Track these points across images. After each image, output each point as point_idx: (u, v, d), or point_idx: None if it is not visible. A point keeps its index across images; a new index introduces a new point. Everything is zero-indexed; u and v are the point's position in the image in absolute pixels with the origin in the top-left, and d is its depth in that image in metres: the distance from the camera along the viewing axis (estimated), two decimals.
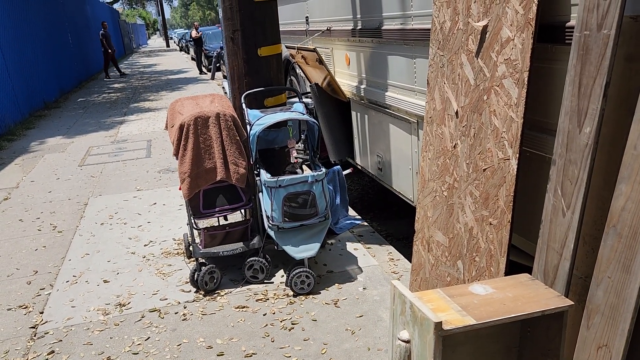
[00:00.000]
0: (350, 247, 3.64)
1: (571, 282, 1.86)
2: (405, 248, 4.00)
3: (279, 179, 2.92)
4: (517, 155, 2.04)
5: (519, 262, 2.50)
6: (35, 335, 2.84)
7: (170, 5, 61.01)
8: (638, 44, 1.64)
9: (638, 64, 1.65)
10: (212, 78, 15.03)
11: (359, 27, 3.78)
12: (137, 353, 2.61)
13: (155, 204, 4.78)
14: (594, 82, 1.64)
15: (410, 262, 3.36)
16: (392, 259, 3.42)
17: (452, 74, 2.42)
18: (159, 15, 46.20)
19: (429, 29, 2.75)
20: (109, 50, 17.14)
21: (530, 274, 1.95)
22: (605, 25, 1.61)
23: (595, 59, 1.63)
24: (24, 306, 3.15)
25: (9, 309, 3.13)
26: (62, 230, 4.34)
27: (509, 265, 2.15)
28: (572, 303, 1.69)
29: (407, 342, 1.65)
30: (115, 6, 34.38)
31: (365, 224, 4.02)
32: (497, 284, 1.78)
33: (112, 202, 4.95)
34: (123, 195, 5.11)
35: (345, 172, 4.23)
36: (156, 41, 65.75)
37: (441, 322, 1.52)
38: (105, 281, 3.39)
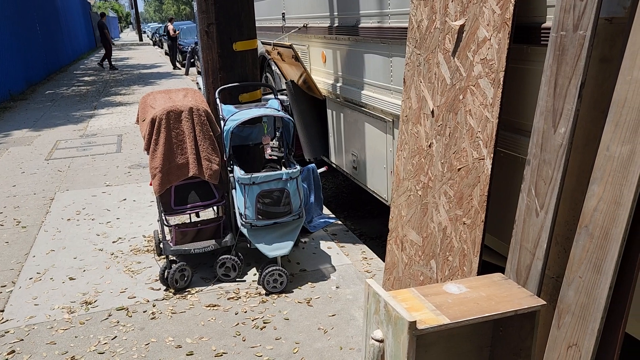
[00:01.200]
0: (324, 245, 3.62)
1: (543, 282, 1.87)
2: (379, 247, 4.00)
3: (253, 175, 2.88)
4: (492, 155, 2.04)
5: (491, 262, 2.52)
6: None
7: None
8: (612, 46, 1.66)
9: (612, 65, 1.66)
10: (186, 74, 14.85)
11: (336, 25, 3.76)
12: (103, 352, 2.54)
13: (125, 200, 4.68)
14: (570, 83, 1.65)
15: (384, 261, 3.36)
16: (366, 258, 3.41)
17: (429, 73, 2.41)
18: (132, 9, 45.46)
19: (406, 28, 2.74)
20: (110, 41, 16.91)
21: (503, 273, 1.95)
22: (581, 26, 1.62)
23: (571, 59, 1.64)
24: None
25: None
26: (27, 225, 4.21)
27: (481, 265, 2.15)
28: (545, 303, 1.70)
29: (381, 341, 1.63)
30: None
31: (339, 222, 4.00)
32: (471, 283, 1.77)
33: (80, 197, 4.82)
34: (91, 191, 4.98)
35: (319, 171, 4.21)
36: (129, 35, 64.68)
37: (415, 321, 1.51)
38: (70, 278, 3.30)
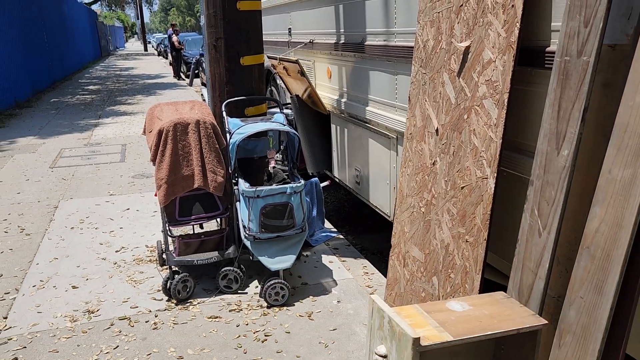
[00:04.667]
0: (326, 259, 3.64)
1: (545, 301, 1.89)
2: (380, 262, 4.02)
3: (258, 189, 2.91)
4: (495, 174, 2.08)
5: (493, 280, 2.54)
6: None
7: (150, 9, 60.66)
8: (615, 72, 1.70)
9: (614, 90, 1.70)
10: (191, 84, 14.94)
11: (342, 41, 3.81)
12: None
13: (128, 209, 4.71)
14: (573, 107, 1.68)
15: (385, 276, 3.37)
16: (367, 273, 3.43)
17: (434, 92, 2.45)
18: (138, 19, 45.80)
19: (412, 47, 2.79)
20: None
21: (505, 292, 1.97)
22: (585, 52, 1.66)
23: (575, 84, 1.68)
24: None
25: None
26: (31, 233, 4.23)
27: (483, 283, 2.18)
28: (547, 322, 1.72)
29: (385, 357, 1.65)
30: (94, 7, 33.97)
31: (341, 237, 4.03)
32: (473, 301, 1.80)
33: (84, 206, 4.85)
34: (95, 200, 5.01)
35: (322, 185, 4.24)
36: (134, 44, 65.10)
37: (419, 337, 1.53)
38: (73, 287, 3.31)
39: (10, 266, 3.63)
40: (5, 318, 2.97)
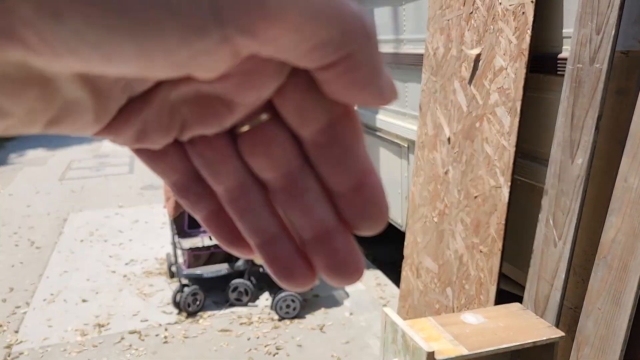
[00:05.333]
0: None
1: (561, 312, 1.85)
2: (393, 273, 3.97)
3: None
4: (509, 183, 2.04)
5: (508, 290, 2.49)
6: (9, 356, 2.74)
7: None
8: (628, 78, 1.67)
9: (628, 97, 1.67)
10: None
11: None
12: None
13: (137, 221, 4.71)
14: (587, 115, 1.66)
15: (398, 287, 3.33)
16: (380, 284, 3.40)
17: (445, 100, 2.43)
18: None
19: (421, 54, 2.77)
20: None
21: (521, 303, 1.94)
22: (597, 59, 1.63)
23: (588, 91, 1.65)
24: None
25: None
26: (41, 246, 4.24)
27: (498, 294, 2.14)
28: (564, 334, 1.68)
29: None
30: None
31: None
32: (488, 313, 1.76)
33: (93, 218, 4.86)
34: (104, 212, 5.02)
35: None
36: None
37: (434, 351, 1.50)
38: (83, 300, 3.30)
39: (21, 280, 3.63)
40: (17, 332, 2.96)
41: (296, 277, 0.24)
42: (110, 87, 0.20)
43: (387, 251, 4.48)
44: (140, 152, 0.25)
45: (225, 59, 0.18)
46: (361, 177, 0.24)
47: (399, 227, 3.45)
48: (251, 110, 0.23)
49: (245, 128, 0.23)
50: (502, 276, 2.45)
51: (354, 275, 0.24)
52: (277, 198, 0.24)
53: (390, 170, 3.45)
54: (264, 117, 0.23)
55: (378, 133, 3.55)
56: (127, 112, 0.21)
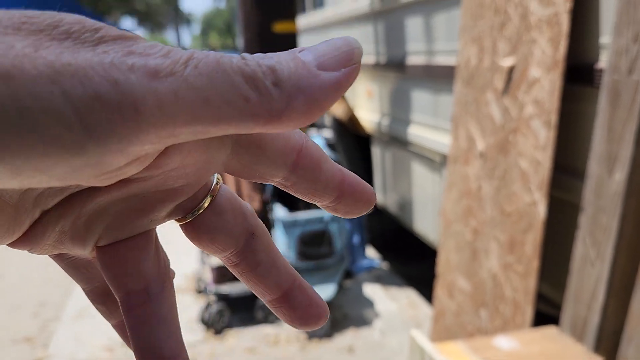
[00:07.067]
0: (368, 289, 3.51)
1: (601, 336, 1.72)
2: (426, 292, 3.85)
3: (294, 216, 2.84)
4: (545, 200, 1.93)
5: (546, 311, 2.36)
6: None
7: (189, 32, 62.65)
8: None
9: None
10: None
11: (382, 60, 3.74)
12: None
13: (167, 236, 4.72)
14: (625, 128, 1.55)
15: (431, 307, 3.22)
16: (412, 304, 3.29)
17: (478, 112, 2.34)
18: (178, 43, 47.32)
19: (454, 66, 2.69)
20: None
21: (558, 324, 1.81)
22: (635, 69, 1.53)
23: (626, 103, 1.54)
24: (29, 339, 3.08)
25: (13, 342, 3.06)
26: None
27: (535, 316, 2.02)
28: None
29: None
30: (136, 32, 35.40)
31: (385, 265, 3.90)
32: (523, 336, 1.65)
33: None
34: None
35: None
36: None
37: None
38: None
39: (53, 294, 3.68)
40: (47, 346, 2.98)
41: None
42: (17, 201, 0.19)
43: (420, 269, 4.35)
44: (58, 258, 0.24)
45: (122, 165, 0.17)
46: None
47: (431, 245, 3.34)
48: (193, 195, 0.23)
49: (188, 218, 0.23)
50: (539, 297, 2.32)
51: (318, 323, 0.25)
52: (234, 270, 0.25)
53: (422, 185, 3.35)
54: (206, 203, 0.23)
55: (409, 147, 3.46)
56: (42, 225, 0.21)
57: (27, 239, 0.21)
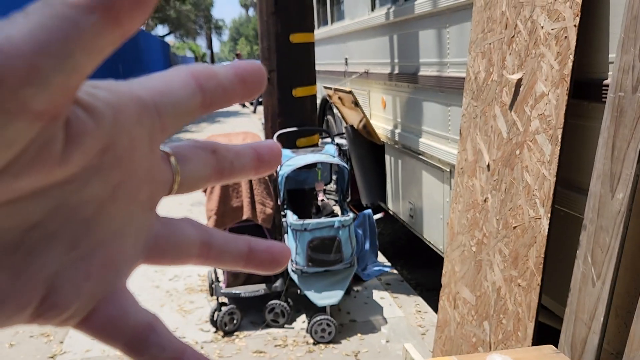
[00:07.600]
0: (377, 295, 3.54)
1: (601, 357, 1.73)
2: (435, 300, 3.85)
3: (305, 222, 2.88)
4: (549, 214, 1.94)
5: (548, 324, 2.36)
6: None
7: (219, 39, 63.19)
8: None
9: None
10: (254, 112, 15.30)
11: (396, 72, 3.76)
12: None
13: None
14: (628, 146, 1.55)
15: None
16: (420, 311, 3.30)
17: (485, 125, 2.35)
18: (209, 49, 47.72)
19: (464, 78, 2.70)
20: None
21: (558, 342, 1.82)
22: None
23: (630, 121, 1.55)
24: (46, 334, 3.17)
25: (31, 336, 3.15)
26: None
27: (537, 330, 2.02)
28: None
29: None
30: (168, 39, 35.72)
31: (395, 271, 3.92)
32: (517, 355, 1.66)
33: None
34: None
35: (376, 217, 4.16)
36: None
37: None
38: None
39: None
40: (62, 343, 3.06)
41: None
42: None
43: (430, 276, 4.36)
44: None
45: None
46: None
47: (440, 253, 3.35)
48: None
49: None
50: (544, 310, 2.32)
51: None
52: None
53: (432, 195, 3.36)
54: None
55: (420, 156, 3.48)
56: None
57: None
